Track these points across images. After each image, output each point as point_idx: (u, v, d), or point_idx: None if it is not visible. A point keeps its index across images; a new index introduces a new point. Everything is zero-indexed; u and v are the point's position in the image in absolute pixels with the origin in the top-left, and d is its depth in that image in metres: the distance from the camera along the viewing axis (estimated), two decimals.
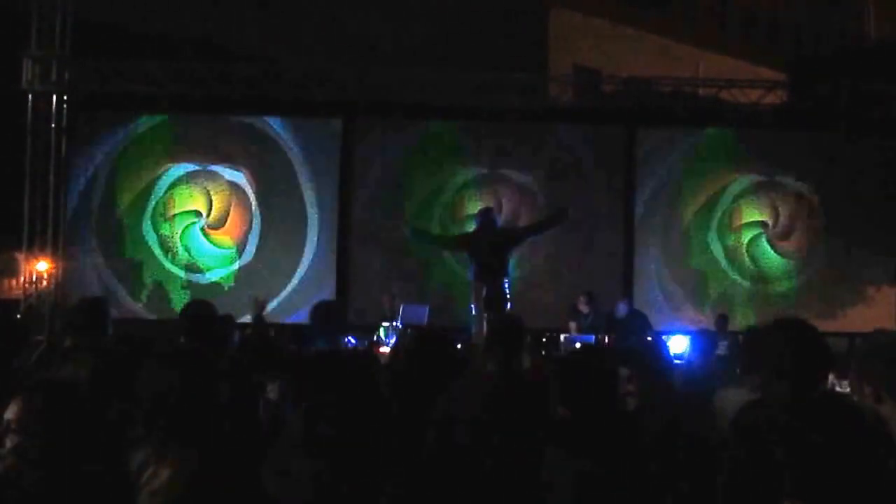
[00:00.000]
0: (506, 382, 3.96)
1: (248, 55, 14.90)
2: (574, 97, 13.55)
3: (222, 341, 4.96)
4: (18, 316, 11.63)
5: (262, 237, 12.58)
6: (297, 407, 3.98)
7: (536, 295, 11.75)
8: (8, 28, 12.46)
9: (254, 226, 12.63)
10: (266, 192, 12.68)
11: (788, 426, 2.66)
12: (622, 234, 12.89)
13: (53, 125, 12.27)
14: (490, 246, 9.28)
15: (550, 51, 21.50)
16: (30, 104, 12.24)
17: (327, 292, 12.14)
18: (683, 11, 25.34)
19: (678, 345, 9.59)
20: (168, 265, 12.55)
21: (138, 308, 12.23)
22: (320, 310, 5.08)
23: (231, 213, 12.66)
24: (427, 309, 10.60)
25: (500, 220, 9.86)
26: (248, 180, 12.68)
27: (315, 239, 12.69)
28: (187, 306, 5.09)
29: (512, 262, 9.63)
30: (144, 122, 12.65)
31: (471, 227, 10.36)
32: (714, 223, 12.88)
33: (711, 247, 12.87)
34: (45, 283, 12.35)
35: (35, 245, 12.25)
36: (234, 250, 12.54)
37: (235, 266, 12.40)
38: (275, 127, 12.75)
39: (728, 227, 12.90)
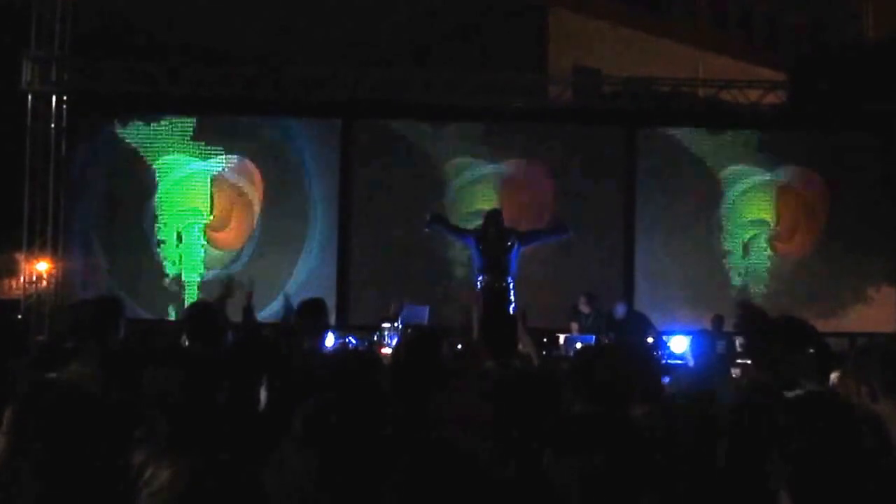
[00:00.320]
0: (504, 379, 3.97)
1: (248, 56, 14.91)
2: (574, 97, 13.57)
3: (223, 342, 4.96)
4: (20, 316, 11.64)
5: (262, 237, 12.58)
6: (297, 407, 3.98)
7: (536, 295, 11.73)
8: (8, 28, 12.48)
9: (254, 226, 12.64)
10: (266, 192, 12.68)
11: (784, 421, 2.68)
12: (622, 234, 12.89)
13: (53, 125, 12.27)
14: (496, 242, 9.30)
15: (550, 51, 21.50)
16: (30, 104, 12.24)
17: (327, 292, 12.13)
18: (683, 12, 25.35)
19: (679, 345, 9.60)
20: (168, 265, 12.56)
21: (138, 308, 12.21)
22: (306, 307, 5.10)
23: (231, 214, 12.66)
24: (427, 309, 10.60)
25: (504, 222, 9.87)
26: (248, 180, 12.68)
27: (315, 239, 12.69)
28: (190, 307, 5.10)
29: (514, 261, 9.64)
30: (144, 123, 12.64)
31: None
32: (714, 223, 12.88)
33: (711, 247, 12.87)
34: (45, 283, 12.35)
35: (35, 245, 12.25)
36: (234, 250, 12.55)
37: (236, 266, 12.40)
38: (275, 127, 12.75)
39: (728, 227, 12.91)
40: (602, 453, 3.09)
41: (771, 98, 12.94)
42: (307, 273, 12.39)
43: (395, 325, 9.92)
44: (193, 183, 12.66)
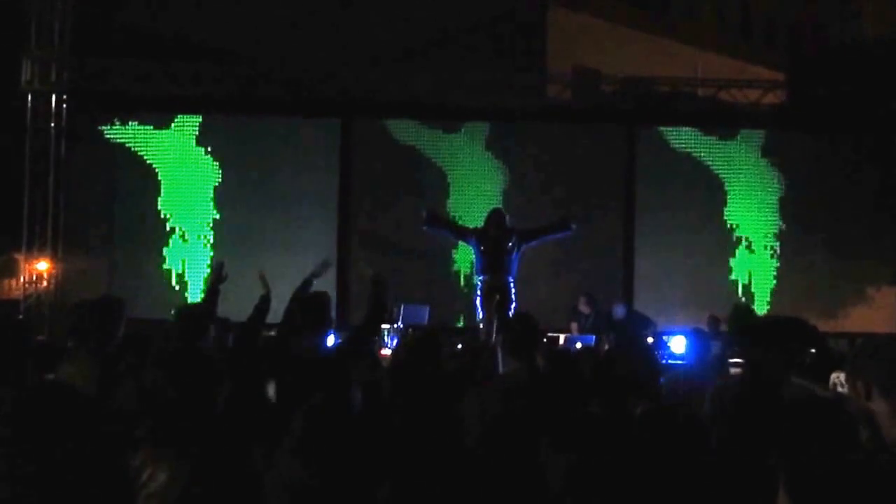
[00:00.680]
0: (532, 380, 4.00)
1: (248, 55, 14.91)
2: (573, 97, 13.56)
3: (219, 342, 4.96)
4: (20, 317, 11.63)
5: (262, 237, 12.57)
6: (296, 409, 3.98)
7: (536, 295, 11.75)
8: (8, 28, 12.48)
9: (254, 226, 12.63)
10: (266, 192, 12.68)
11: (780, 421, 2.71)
12: (622, 235, 12.90)
13: (53, 125, 12.28)
14: (497, 242, 9.31)
15: (549, 51, 21.47)
16: (29, 104, 12.25)
17: (328, 292, 12.11)
18: (682, 12, 25.33)
19: (678, 345, 9.60)
20: (168, 265, 12.56)
21: (139, 308, 12.19)
22: (306, 303, 5.08)
23: (231, 213, 12.66)
24: (427, 309, 10.61)
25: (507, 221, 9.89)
26: (248, 180, 12.69)
27: (315, 239, 12.69)
28: (179, 309, 5.06)
29: (516, 261, 9.66)
30: (144, 123, 12.65)
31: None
32: (714, 223, 12.88)
33: (711, 247, 12.87)
34: (44, 283, 12.36)
35: (35, 245, 12.25)
36: (233, 250, 12.53)
37: (234, 266, 12.38)
38: (275, 127, 12.75)
39: (728, 227, 12.90)
40: (596, 451, 3.11)
41: (770, 98, 12.95)
42: (306, 273, 12.37)
43: (395, 326, 9.92)
44: (193, 182, 12.66)
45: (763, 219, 12.94)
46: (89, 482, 2.83)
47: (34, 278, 12.35)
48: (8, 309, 12.40)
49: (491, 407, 3.82)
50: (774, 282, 12.86)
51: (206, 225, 12.66)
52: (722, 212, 12.90)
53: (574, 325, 11.01)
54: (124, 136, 12.61)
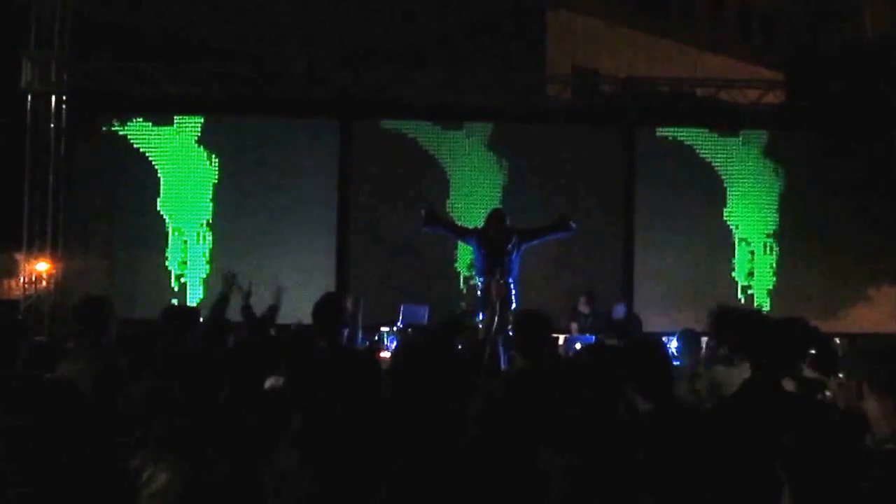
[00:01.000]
0: (539, 377, 3.99)
1: (248, 55, 14.92)
2: (572, 97, 13.58)
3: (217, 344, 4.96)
4: (20, 318, 11.63)
5: (261, 237, 12.58)
6: (297, 407, 3.98)
7: (536, 295, 11.73)
8: (8, 28, 12.49)
9: (254, 226, 12.64)
10: (266, 192, 12.69)
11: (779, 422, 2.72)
12: (622, 235, 12.90)
13: (53, 125, 12.28)
14: (497, 243, 9.30)
15: (549, 51, 21.50)
16: (29, 104, 12.26)
17: (328, 292, 12.13)
18: (681, 12, 25.36)
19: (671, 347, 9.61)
20: (168, 265, 12.57)
21: (139, 309, 12.20)
22: (316, 306, 5.07)
23: (231, 214, 12.68)
24: (427, 309, 10.61)
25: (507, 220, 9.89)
26: (248, 181, 12.70)
27: (314, 239, 12.70)
28: (166, 310, 5.02)
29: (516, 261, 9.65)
30: (144, 123, 12.65)
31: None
32: (714, 223, 12.88)
33: (711, 247, 12.87)
34: (44, 283, 12.36)
35: (35, 246, 12.26)
36: (233, 250, 12.54)
37: (234, 266, 12.39)
38: (275, 127, 12.75)
39: (728, 226, 12.91)
40: (590, 451, 3.12)
41: (770, 98, 12.95)
42: (306, 273, 12.38)
43: (394, 328, 9.92)
44: (193, 183, 12.67)
45: (763, 218, 12.94)
46: (90, 481, 2.83)
47: (34, 278, 12.36)
48: (8, 309, 12.41)
49: (495, 402, 3.82)
50: (774, 281, 12.87)
51: (205, 225, 12.66)
52: (722, 211, 12.90)
53: (573, 326, 11.01)
54: (124, 135, 12.61)
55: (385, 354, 8.42)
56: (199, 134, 12.70)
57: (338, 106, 12.69)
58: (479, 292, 9.50)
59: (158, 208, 12.62)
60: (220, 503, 3.10)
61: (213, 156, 12.70)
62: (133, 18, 16.39)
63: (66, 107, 12.38)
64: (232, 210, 12.66)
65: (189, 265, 12.60)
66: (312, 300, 5.17)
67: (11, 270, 13.29)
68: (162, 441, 3.08)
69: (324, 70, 12.88)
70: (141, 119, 12.62)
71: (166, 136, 12.68)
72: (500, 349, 4.57)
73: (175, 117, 12.65)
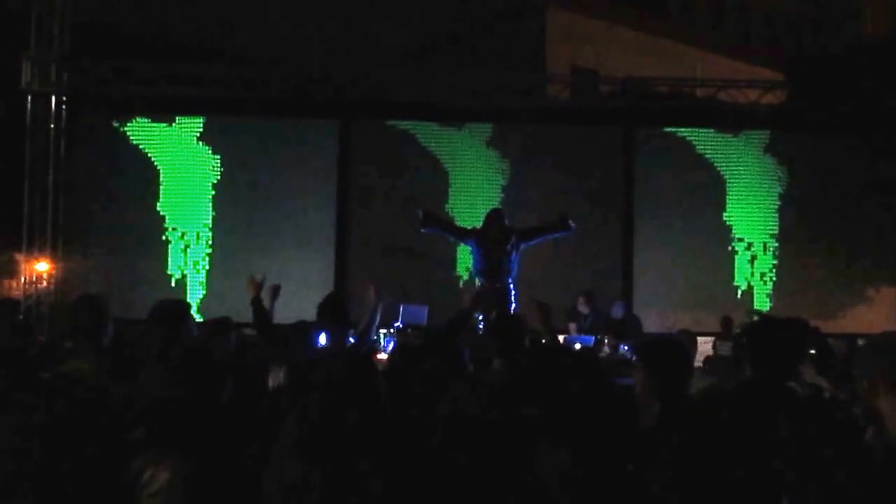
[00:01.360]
0: (513, 378, 3.98)
1: (247, 56, 14.92)
2: (572, 98, 13.57)
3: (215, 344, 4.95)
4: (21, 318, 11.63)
5: (261, 238, 12.58)
6: (294, 406, 3.98)
7: (536, 295, 11.72)
8: (7, 29, 12.49)
9: (253, 227, 12.64)
10: (266, 192, 12.69)
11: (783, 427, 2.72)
12: (621, 235, 12.90)
13: (52, 126, 12.28)
14: (496, 244, 9.30)
15: (548, 51, 21.49)
16: (29, 105, 12.25)
17: (326, 293, 12.12)
18: (681, 12, 25.35)
19: None
20: (168, 266, 12.57)
21: (139, 309, 12.18)
22: (324, 303, 5.07)
23: (230, 214, 12.68)
24: (426, 309, 10.60)
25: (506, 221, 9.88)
26: (247, 181, 12.70)
27: (313, 239, 12.70)
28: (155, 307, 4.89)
29: (515, 262, 9.66)
30: (143, 123, 12.66)
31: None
32: (714, 223, 12.88)
33: (711, 247, 12.87)
34: (44, 283, 12.36)
35: (35, 246, 12.26)
36: (233, 250, 12.55)
37: (233, 267, 12.40)
38: (274, 127, 12.76)
39: (728, 227, 12.91)
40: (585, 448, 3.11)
41: (770, 98, 12.95)
42: (305, 273, 12.38)
43: (391, 330, 9.89)
44: (194, 183, 12.67)
45: (763, 219, 12.94)
46: (92, 481, 2.84)
47: (34, 278, 12.36)
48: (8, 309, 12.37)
49: (464, 405, 3.81)
50: (774, 282, 12.86)
51: (205, 225, 12.67)
52: (721, 212, 12.90)
53: (572, 326, 10.99)
54: (124, 136, 12.61)
55: (382, 356, 8.39)
56: (199, 134, 12.70)
57: (337, 106, 12.69)
58: (479, 292, 9.49)
59: (158, 208, 12.62)
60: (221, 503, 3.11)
61: (213, 156, 12.70)
62: (133, 19, 16.37)
63: (66, 107, 12.38)
64: (231, 210, 12.67)
65: (189, 265, 12.60)
66: (312, 300, 5.19)
67: (11, 270, 13.27)
68: (163, 441, 3.08)
69: (324, 70, 12.87)
70: (141, 119, 12.62)
71: (166, 137, 12.68)
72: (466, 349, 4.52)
73: (175, 117, 12.66)
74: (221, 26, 17.08)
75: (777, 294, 12.78)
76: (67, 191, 12.38)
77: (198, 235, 12.64)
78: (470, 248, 10.10)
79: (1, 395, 3.21)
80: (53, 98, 12.32)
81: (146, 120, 12.63)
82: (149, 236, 12.57)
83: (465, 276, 12.36)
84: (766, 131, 12.95)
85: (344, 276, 12.65)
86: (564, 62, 20.42)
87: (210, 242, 12.66)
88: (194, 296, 12.39)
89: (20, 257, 12.46)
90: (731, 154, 12.98)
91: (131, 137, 12.63)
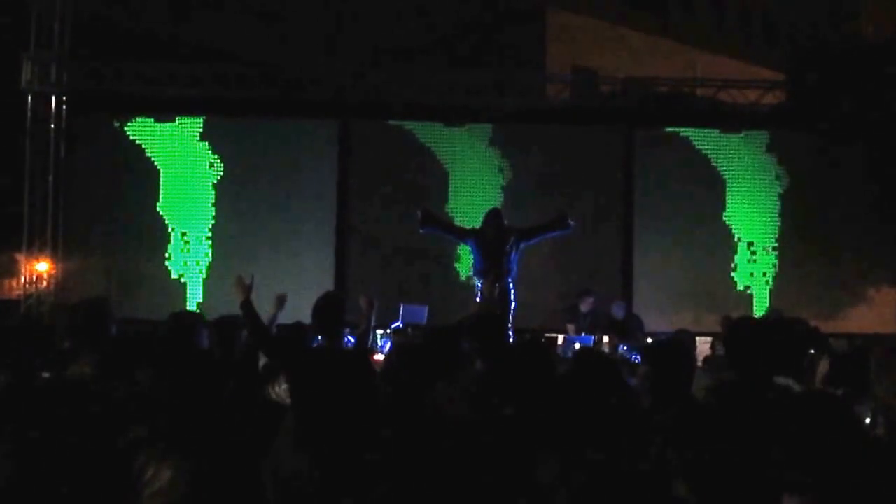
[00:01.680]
0: (494, 379, 3.97)
1: (247, 56, 14.92)
2: (572, 97, 13.57)
3: (226, 343, 4.97)
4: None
5: (261, 238, 12.59)
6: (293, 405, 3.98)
7: (536, 295, 11.76)
8: (7, 28, 12.50)
9: (252, 227, 12.65)
10: (266, 192, 12.69)
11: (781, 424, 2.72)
12: (621, 235, 12.91)
13: (52, 126, 12.29)
14: (495, 243, 9.29)
15: (548, 51, 21.47)
16: (29, 104, 12.26)
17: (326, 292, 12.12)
18: (681, 12, 25.33)
19: None
20: (168, 265, 12.58)
21: (139, 309, 12.20)
22: (319, 304, 5.06)
23: (231, 214, 12.68)
24: (426, 309, 10.61)
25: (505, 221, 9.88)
26: (247, 181, 12.71)
27: (313, 239, 12.71)
28: (170, 318, 5.00)
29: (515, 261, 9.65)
30: (143, 124, 12.66)
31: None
32: (714, 223, 12.88)
33: (711, 247, 12.87)
34: (44, 283, 12.37)
35: (35, 246, 12.26)
36: (233, 250, 12.55)
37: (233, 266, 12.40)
38: (274, 127, 12.76)
39: (728, 227, 12.91)
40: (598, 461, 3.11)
41: (770, 98, 12.96)
42: (305, 273, 12.39)
43: (388, 331, 9.89)
44: (194, 183, 12.67)
45: (763, 219, 12.94)
46: (95, 479, 2.84)
47: (34, 278, 12.36)
48: (10, 309, 12.41)
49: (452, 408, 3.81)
50: (774, 282, 12.86)
51: (205, 225, 12.67)
52: (721, 212, 12.90)
53: (571, 327, 10.99)
54: (124, 136, 12.61)
55: (378, 357, 8.38)
56: (199, 134, 12.71)
57: (337, 106, 12.69)
58: (477, 293, 9.49)
59: (158, 208, 12.63)
60: (222, 503, 3.11)
61: (213, 156, 12.71)
62: (133, 18, 16.37)
63: (66, 107, 12.39)
64: (232, 210, 12.68)
65: (189, 265, 12.61)
66: (312, 300, 5.18)
67: (11, 270, 13.28)
68: (165, 440, 3.08)
69: (324, 70, 12.88)
70: (141, 119, 12.63)
71: (166, 137, 12.69)
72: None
73: (175, 117, 12.66)
74: (222, 27, 17.07)
75: (777, 294, 12.77)
76: (67, 191, 12.39)
77: (198, 235, 12.65)
78: (470, 248, 10.09)
79: (1, 395, 3.22)
80: (53, 98, 12.33)
81: (146, 120, 12.64)
82: (149, 236, 12.58)
83: (465, 276, 12.36)
84: (766, 131, 12.95)
85: (344, 276, 12.66)
86: (564, 62, 20.39)
87: (210, 242, 12.67)
88: (194, 295, 12.40)
89: (20, 257, 12.47)
90: (732, 154, 12.98)
91: (131, 137, 12.64)
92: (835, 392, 4.39)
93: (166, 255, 12.59)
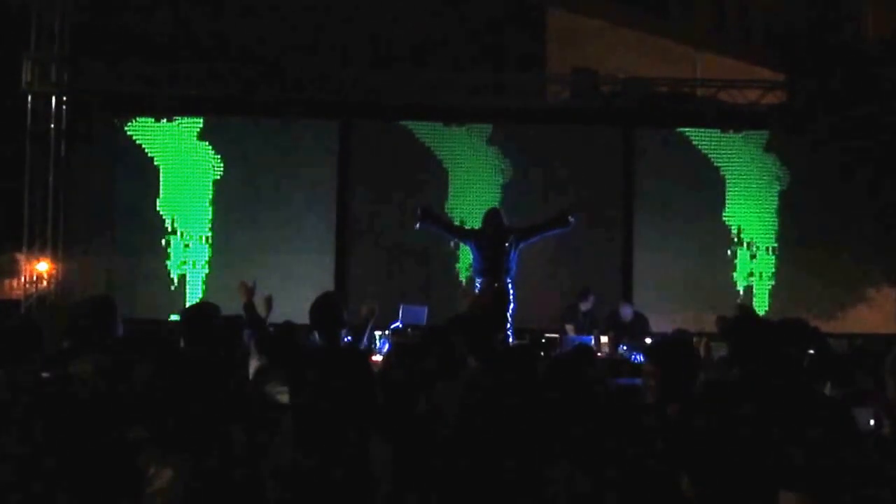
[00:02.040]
0: (487, 377, 3.97)
1: (247, 56, 14.91)
2: (572, 98, 13.57)
3: (227, 343, 4.96)
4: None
5: (261, 238, 12.59)
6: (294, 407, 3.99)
7: (536, 295, 11.76)
8: (8, 29, 12.49)
9: (252, 227, 12.65)
10: (266, 192, 12.69)
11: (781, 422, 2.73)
12: (621, 235, 12.91)
13: (53, 126, 12.29)
14: (495, 243, 9.30)
15: (548, 51, 21.45)
16: (29, 105, 12.26)
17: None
18: (681, 12, 25.32)
19: None
20: (168, 265, 12.58)
21: (139, 309, 12.21)
22: (317, 304, 5.05)
23: (231, 214, 12.69)
24: (426, 309, 10.61)
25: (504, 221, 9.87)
26: (247, 181, 12.71)
27: (313, 239, 12.71)
28: (187, 310, 5.08)
29: (514, 261, 9.65)
30: (143, 123, 12.66)
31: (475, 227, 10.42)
32: (714, 224, 12.88)
33: (711, 248, 12.87)
34: (45, 283, 12.36)
35: (35, 246, 12.26)
36: (233, 251, 12.55)
37: (234, 266, 12.41)
38: (274, 127, 12.76)
39: (727, 227, 12.91)
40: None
41: (770, 98, 12.95)
42: (305, 273, 12.39)
43: (386, 332, 9.89)
44: (194, 183, 12.67)
45: (763, 219, 12.94)
46: (96, 478, 2.85)
47: (34, 278, 12.36)
48: (9, 309, 12.40)
49: (447, 406, 3.81)
50: (774, 282, 12.86)
51: (205, 225, 12.68)
52: (721, 212, 12.90)
53: (570, 327, 10.98)
54: (125, 136, 12.62)
55: (377, 358, 8.37)
56: (199, 134, 12.72)
57: (337, 106, 12.69)
58: (477, 293, 9.50)
59: (158, 208, 12.63)
60: (222, 501, 3.11)
61: (213, 156, 12.71)
62: (132, 19, 16.36)
63: (66, 107, 12.39)
64: (232, 210, 12.68)
65: (189, 265, 12.61)
66: (312, 299, 5.17)
67: (11, 270, 13.27)
68: (167, 439, 3.09)
69: (324, 70, 12.87)
70: (141, 119, 12.63)
71: (166, 136, 12.69)
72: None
73: (175, 117, 12.67)
74: (222, 27, 17.06)
75: (777, 294, 12.78)
76: (67, 191, 12.38)
77: (198, 235, 12.65)
78: (469, 249, 10.10)
79: (3, 395, 3.22)
80: (53, 98, 12.32)
81: (146, 119, 12.64)
82: (149, 236, 12.58)
83: (465, 276, 12.37)
84: (766, 131, 12.95)
85: (344, 276, 12.66)
86: (564, 62, 20.39)
87: (210, 242, 12.67)
88: (194, 295, 12.40)
89: (20, 257, 12.47)
90: (732, 154, 12.98)
91: (132, 137, 12.64)
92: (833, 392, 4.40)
93: (166, 254, 12.59)
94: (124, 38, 14.57)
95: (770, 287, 12.84)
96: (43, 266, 12.31)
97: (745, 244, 12.90)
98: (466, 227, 10.46)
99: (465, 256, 12.03)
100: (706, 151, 12.99)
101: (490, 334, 4.45)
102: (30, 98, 12.25)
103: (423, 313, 10.49)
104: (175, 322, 10.88)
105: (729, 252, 12.88)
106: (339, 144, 12.84)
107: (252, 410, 4.26)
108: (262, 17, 17.80)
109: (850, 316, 12.62)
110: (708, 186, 12.91)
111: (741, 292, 12.79)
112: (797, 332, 4.01)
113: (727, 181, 12.94)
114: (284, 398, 4.52)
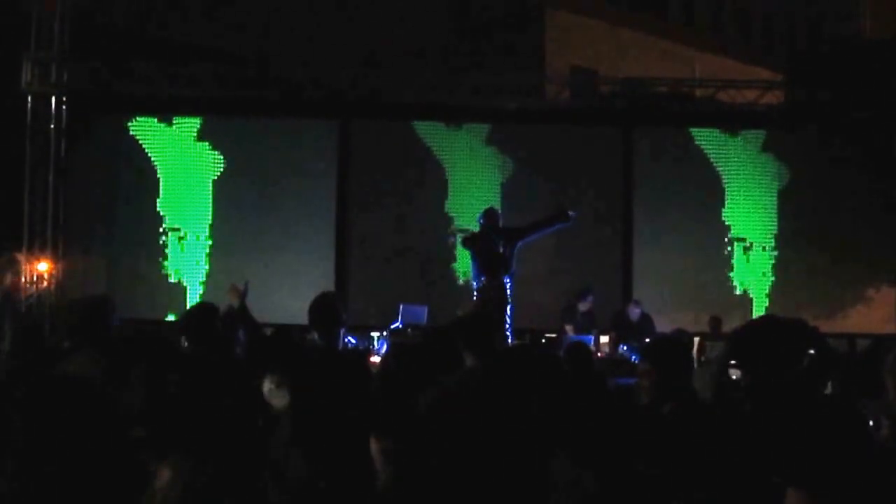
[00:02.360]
0: (486, 378, 3.98)
1: (247, 56, 14.93)
2: (571, 98, 13.58)
3: (227, 343, 4.97)
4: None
5: (260, 238, 12.60)
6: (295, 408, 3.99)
7: (536, 296, 11.77)
8: (8, 29, 12.50)
9: (252, 227, 12.66)
10: (265, 193, 12.70)
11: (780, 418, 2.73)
12: (621, 235, 12.91)
13: (53, 126, 12.29)
14: (493, 244, 9.30)
15: (547, 52, 21.51)
16: (29, 105, 12.26)
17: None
18: (681, 12, 25.36)
19: None
20: (167, 265, 12.59)
21: (138, 309, 12.22)
22: (315, 303, 5.06)
23: (230, 214, 12.69)
24: (426, 309, 10.62)
25: (501, 221, 9.83)
26: (247, 181, 12.72)
27: (313, 239, 12.72)
28: (189, 310, 5.10)
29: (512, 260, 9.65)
30: (143, 123, 12.67)
31: (473, 227, 10.41)
32: (713, 224, 12.88)
33: (711, 248, 12.88)
34: (45, 283, 12.37)
35: (35, 246, 12.27)
36: (232, 251, 12.56)
37: (233, 266, 12.42)
38: (274, 127, 12.77)
39: (727, 227, 12.91)
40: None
41: (768, 98, 12.96)
42: (305, 273, 12.40)
43: (384, 333, 9.90)
44: (193, 183, 12.68)
45: (762, 219, 12.94)
46: (94, 478, 2.85)
47: (34, 278, 12.37)
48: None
49: (443, 406, 3.82)
50: (773, 281, 12.87)
51: (205, 225, 12.68)
52: (720, 212, 12.91)
53: (569, 327, 10.98)
54: (125, 136, 12.63)
55: (375, 359, 8.37)
56: (199, 134, 12.72)
57: (337, 106, 12.70)
58: (475, 293, 9.50)
59: (158, 208, 12.64)
60: (221, 501, 3.12)
61: (213, 156, 12.71)
62: (132, 19, 16.39)
63: (66, 107, 12.39)
64: (231, 210, 12.69)
65: (188, 265, 12.62)
66: (311, 300, 5.17)
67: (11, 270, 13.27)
68: (165, 439, 3.10)
69: (324, 70, 12.89)
70: (140, 119, 12.64)
71: (166, 137, 12.70)
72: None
73: (174, 117, 12.67)
74: (222, 26, 17.09)
75: (776, 294, 12.78)
76: (67, 191, 12.39)
77: (198, 235, 12.66)
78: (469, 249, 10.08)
79: (2, 394, 3.23)
80: (53, 98, 12.33)
81: (146, 119, 12.64)
82: (149, 236, 12.59)
83: (465, 277, 12.37)
84: (765, 131, 12.96)
85: (344, 276, 12.67)
86: (564, 62, 20.44)
87: (210, 242, 12.68)
88: (193, 295, 12.40)
89: (21, 257, 12.47)
90: (731, 154, 12.98)
91: (132, 137, 12.65)
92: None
93: (166, 254, 12.60)
94: (124, 38, 14.58)
95: (769, 287, 12.84)
96: (43, 266, 12.31)
97: (744, 244, 12.91)
98: (468, 237, 10.23)
99: (465, 256, 12.03)
100: (705, 151, 12.99)
101: (490, 334, 4.47)
102: (30, 98, 12.25)
103: (423, 313, 10.51)
104: (174, 322, 10.93)
105: (728, 252, 12.89)
106: (338, 144, 12.84)
107: (252, 410, 4.27)
108: (262, 17, 17.83)
109: (850, 316, 12.62)
110: (707, 186, 12.91)
111: (740, 292, 12.79)
112: (797, 332, 4.01)
113: (726, 181, 12.94)
114: (283, 398, 4.52)
